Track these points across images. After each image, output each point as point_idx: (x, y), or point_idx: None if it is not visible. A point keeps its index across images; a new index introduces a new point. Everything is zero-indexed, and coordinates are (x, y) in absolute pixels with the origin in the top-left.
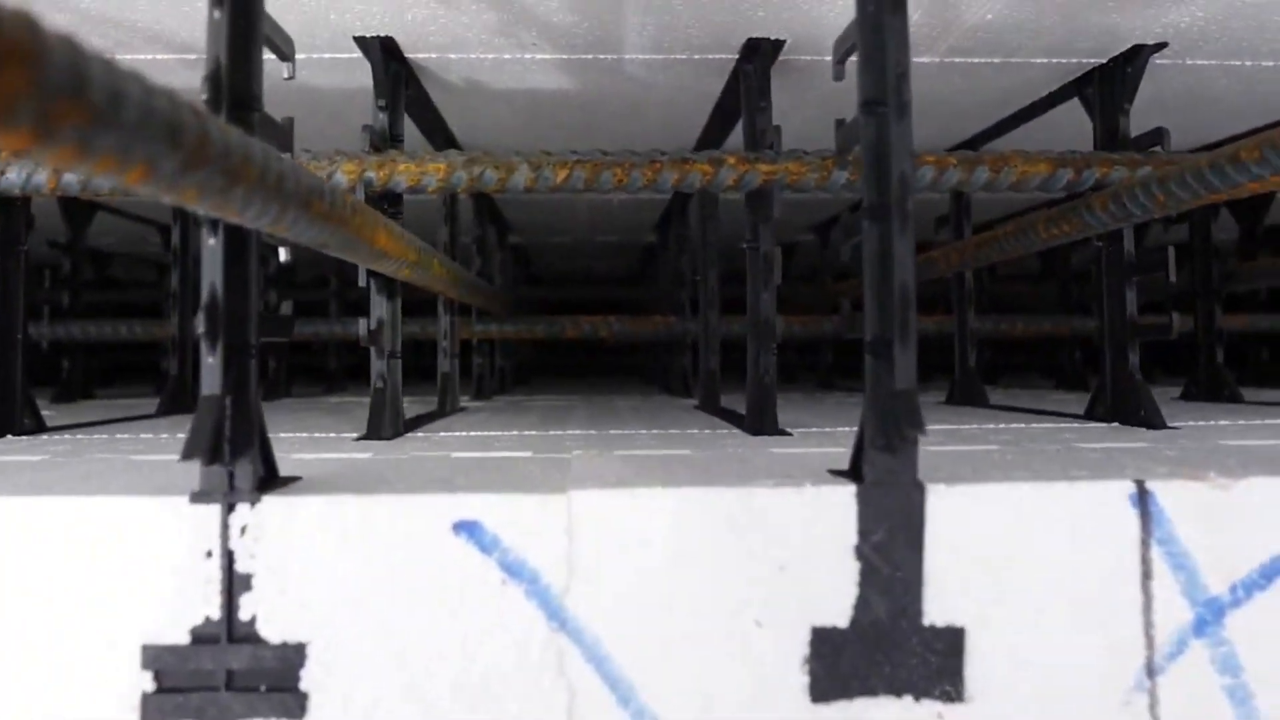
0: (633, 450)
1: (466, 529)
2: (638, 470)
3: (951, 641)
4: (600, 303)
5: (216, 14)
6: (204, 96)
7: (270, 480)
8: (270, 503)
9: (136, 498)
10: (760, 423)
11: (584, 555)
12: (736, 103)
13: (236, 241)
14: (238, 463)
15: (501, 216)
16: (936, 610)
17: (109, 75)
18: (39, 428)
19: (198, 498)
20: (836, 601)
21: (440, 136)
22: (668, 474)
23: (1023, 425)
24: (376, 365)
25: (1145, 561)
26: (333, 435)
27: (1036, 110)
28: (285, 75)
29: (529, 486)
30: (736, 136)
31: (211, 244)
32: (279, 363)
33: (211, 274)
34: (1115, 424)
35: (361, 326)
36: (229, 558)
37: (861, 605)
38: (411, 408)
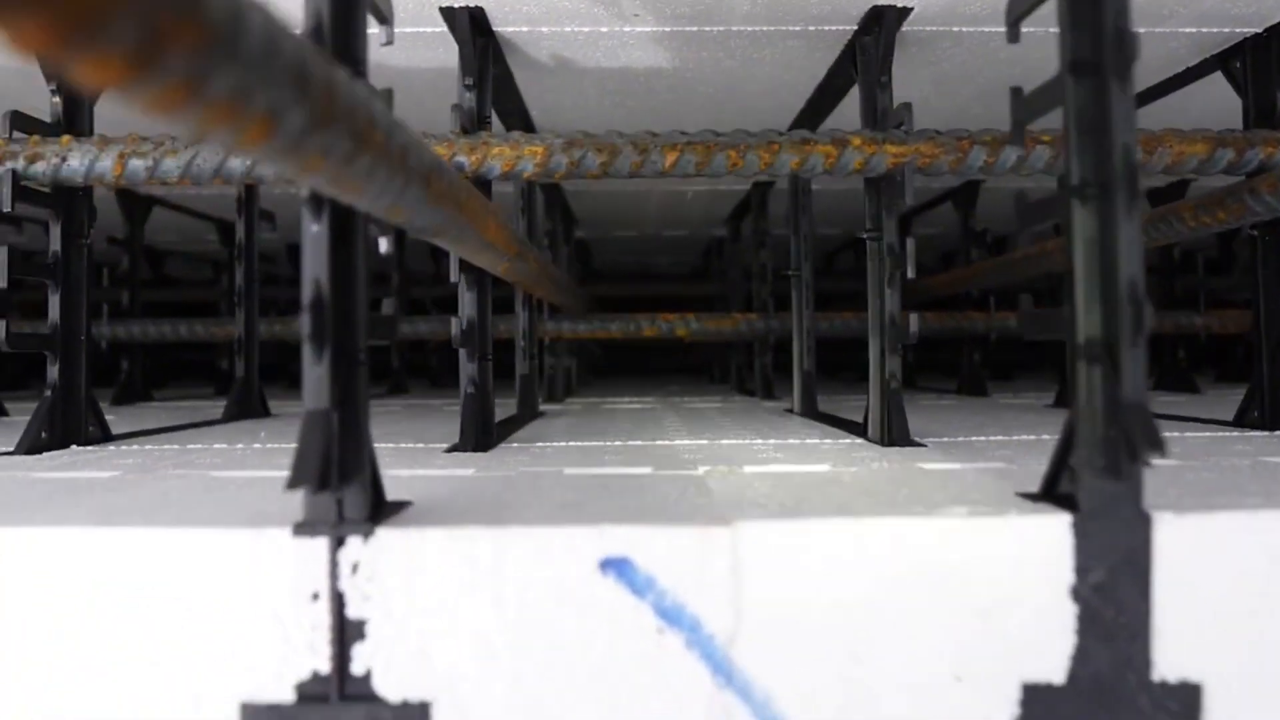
0: (764, 466)
1: (615, 568)
2: (794, 493)
3: (1186, 700)
4: (664, 300)
5: None
6: None
7: (379, 507)
8: (385, 536)
9: (228, 530)
10: (890, 432)
11: (753, 598)
12: (845, 81)
13: (343, 227)
14: (347, 489)
15: (569, 209)
16: (1168, 663)
17: None
18: (105, 436)
19: (301, 530)
20: (1050, 652)
21: (517, 119)
22: (829, 498)
23: (1175, 434)
24: (467, 369)
25: None
26: (420, 445)
27: (1168, 88)
28: (383, 41)
29: (679, 514)
30: (835, 119)
31: (315, 230)
32: None
33: (316, 267)
34: (1278, 433)
35: (454, 325)
36: (339, 601)
37: (1080, 657)
38: None
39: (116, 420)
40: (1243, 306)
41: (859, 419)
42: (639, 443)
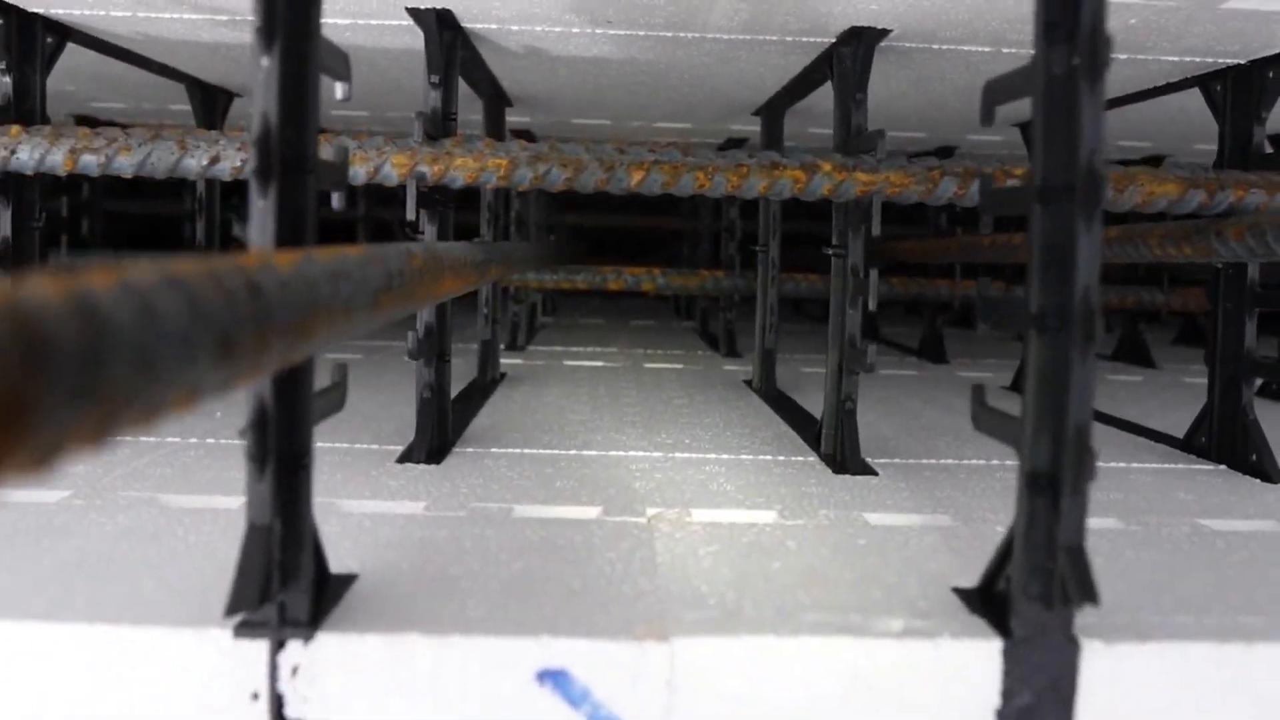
0: (713, 510)
1: (553, 678)
2: (737, 571)
3: None
4: (635, 232)
5: (265, 61)
6: (252, 165)
7: (322, 583)
8: (325, 640)
9: (170, 630)
10: (844, 459)
11: (687, 712)
12: (821, 77)
13: None
14: (289, 592)
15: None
16: None
17: (138, 327)
18: None
19: (243, 631)
20: None
21: (490, 92)
22: (771, 583)
23: (1122, 465)
24: (424, 374)
25: None
26: (374, 447)
27: (1143, 96)
28: (339, 96)
29: (621, 601)
30: (809, 101)
31: None
32: None
33: (259, 385)
34: (1223, 466)
35: (410, 339)
36: (278, 701)
37: None
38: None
39: None
40: (1204, 284)
41: (817, 408)
42: (593, 453)
